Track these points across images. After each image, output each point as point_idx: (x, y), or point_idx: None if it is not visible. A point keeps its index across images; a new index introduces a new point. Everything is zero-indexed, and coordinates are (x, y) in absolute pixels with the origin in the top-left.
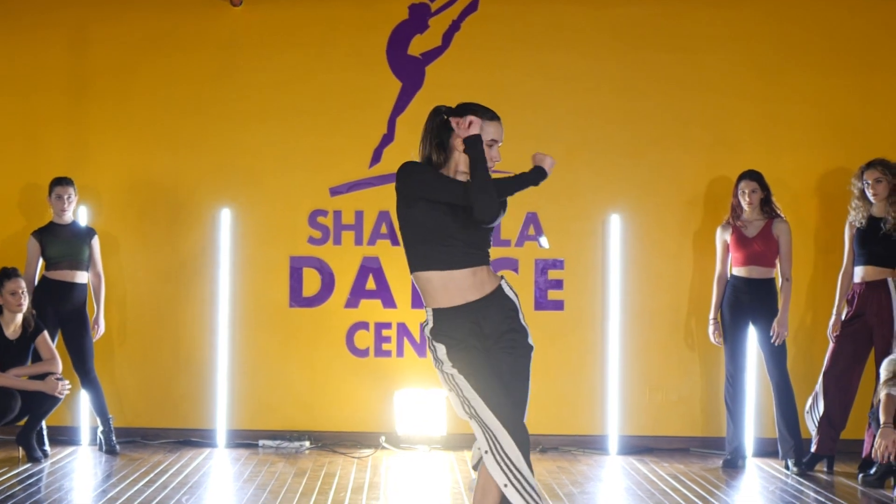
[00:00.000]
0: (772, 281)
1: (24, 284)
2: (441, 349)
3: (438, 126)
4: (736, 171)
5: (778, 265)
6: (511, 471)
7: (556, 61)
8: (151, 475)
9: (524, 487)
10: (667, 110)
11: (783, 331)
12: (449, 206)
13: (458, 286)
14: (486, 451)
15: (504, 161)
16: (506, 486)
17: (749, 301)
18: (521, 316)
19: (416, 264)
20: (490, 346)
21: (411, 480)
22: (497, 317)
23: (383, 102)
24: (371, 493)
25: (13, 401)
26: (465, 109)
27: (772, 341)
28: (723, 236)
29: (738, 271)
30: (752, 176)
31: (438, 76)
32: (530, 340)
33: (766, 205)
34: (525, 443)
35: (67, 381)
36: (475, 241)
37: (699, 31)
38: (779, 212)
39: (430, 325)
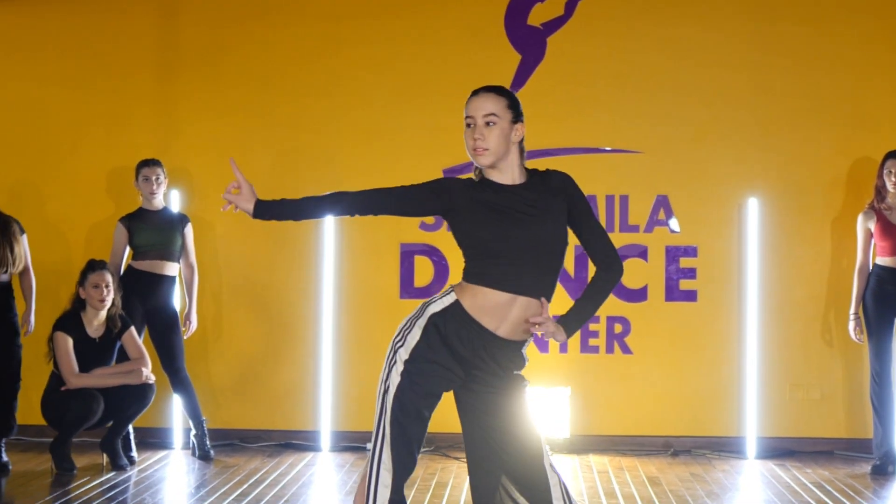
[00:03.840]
0: None
1: (109, 279)
2: (412, 343)
3: None
4: (877, 152)
5: None
6: None
7: (684, 34)
8: (245, 486)
9: None
10: (803, 86)
11: None
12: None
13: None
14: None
15: (630, 141)
16: None
17: (895, 293)
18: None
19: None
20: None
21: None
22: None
23: (501, 77)
24: None
25: (94, 403)
26: None
27: None
28: (865, 224)
29: (883, 261)
30: None
31: (561, 48)
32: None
33: None
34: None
35: (153, 375)
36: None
37: (834, 2)
38: None
39: (438, 309)
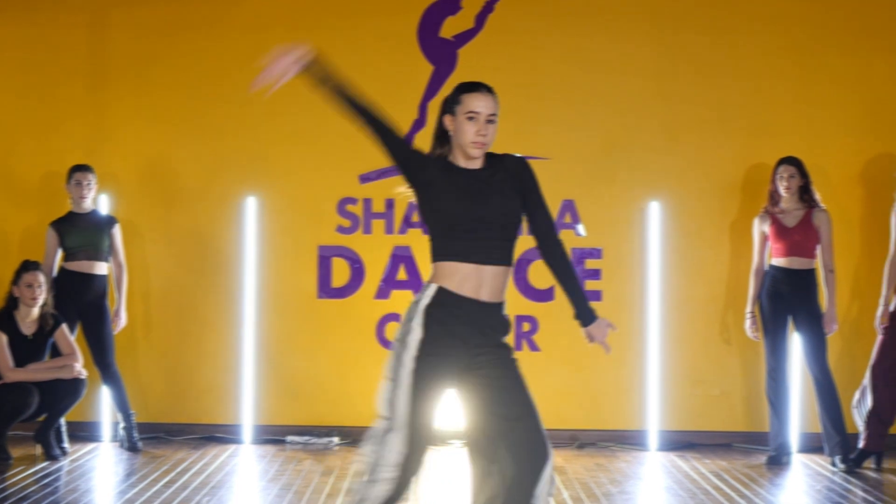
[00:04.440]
0: (812, 272)
1: (42, 278)
2: (416, 340)
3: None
4: (774, 158)
5: (819, 256)
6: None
7: (591, 45)
8: (172, 474)
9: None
10: (704, 95)
11: (834, 325)
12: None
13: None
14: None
15: (537, 148)
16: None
17: (789, 292)
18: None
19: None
20: (474, 358)
21: (443, 478)
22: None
23: (415, 87)
24: None
25: (30, 396)
26: (455, 90)
27: (827, 334)
28: (761, 227)
29: (777, 262)
30: (791, 161)
31: (471, 59)
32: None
33: (804, 193)
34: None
35: (85, 370)
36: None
37: (735, 14)
38: (818, 201)
39: (429, 300)
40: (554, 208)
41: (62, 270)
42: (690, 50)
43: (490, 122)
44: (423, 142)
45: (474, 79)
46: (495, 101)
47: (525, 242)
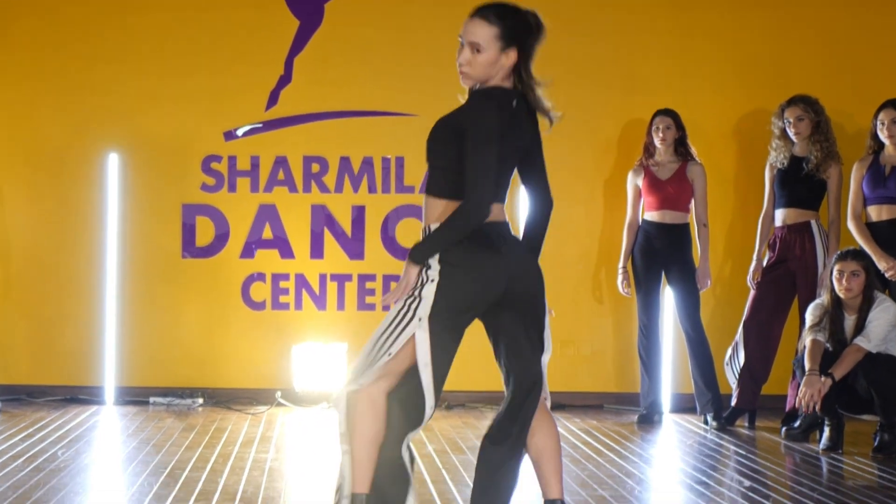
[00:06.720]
0: (686, 226)
1: None
2: (435, 271)
3: None
4: (650, 114)
5: (693, 210)
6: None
7: (457, 3)
8: (30, 430)
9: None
10: (576, 52)
11: (707, 280)
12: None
13: None
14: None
15: (405, 105)
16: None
17: (662, 247)
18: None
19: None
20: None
21: (305, 435)
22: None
23: (280, 42)
24: (261, 446)
25: None
26: None
27: (700, 290)
28: (634, 180)
29: (650, 216)
30: (668, 113)
31: (338, 14)
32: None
33: (680, 145)
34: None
35: None
36: None
37: None
38: (693, 154)
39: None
40: (422, 164)
41: None
42: (561, 7)
43: (475, 50)
44: (290, 98)
45: (340, 34)
46: (482, 26)
47: (395, 200)
